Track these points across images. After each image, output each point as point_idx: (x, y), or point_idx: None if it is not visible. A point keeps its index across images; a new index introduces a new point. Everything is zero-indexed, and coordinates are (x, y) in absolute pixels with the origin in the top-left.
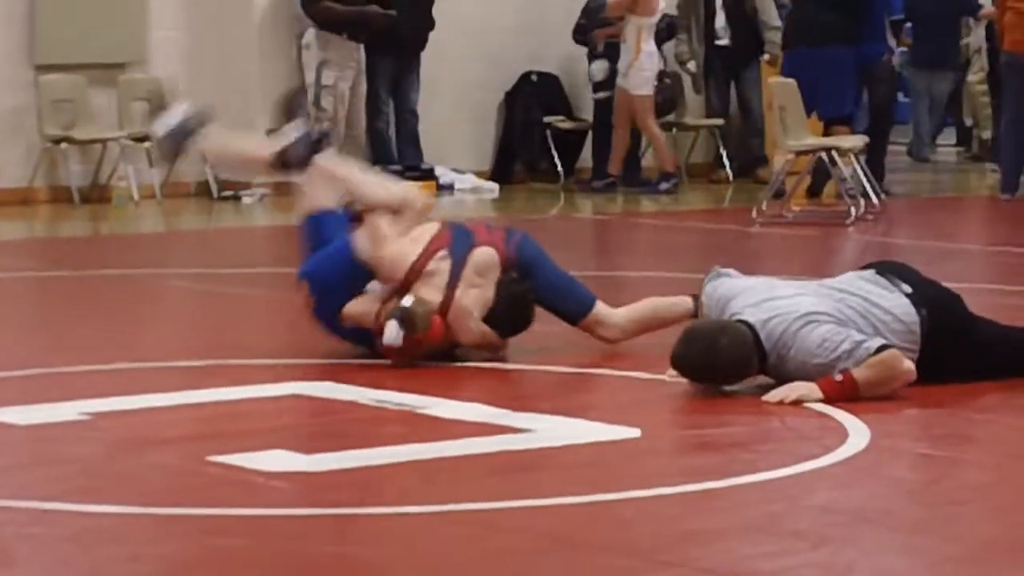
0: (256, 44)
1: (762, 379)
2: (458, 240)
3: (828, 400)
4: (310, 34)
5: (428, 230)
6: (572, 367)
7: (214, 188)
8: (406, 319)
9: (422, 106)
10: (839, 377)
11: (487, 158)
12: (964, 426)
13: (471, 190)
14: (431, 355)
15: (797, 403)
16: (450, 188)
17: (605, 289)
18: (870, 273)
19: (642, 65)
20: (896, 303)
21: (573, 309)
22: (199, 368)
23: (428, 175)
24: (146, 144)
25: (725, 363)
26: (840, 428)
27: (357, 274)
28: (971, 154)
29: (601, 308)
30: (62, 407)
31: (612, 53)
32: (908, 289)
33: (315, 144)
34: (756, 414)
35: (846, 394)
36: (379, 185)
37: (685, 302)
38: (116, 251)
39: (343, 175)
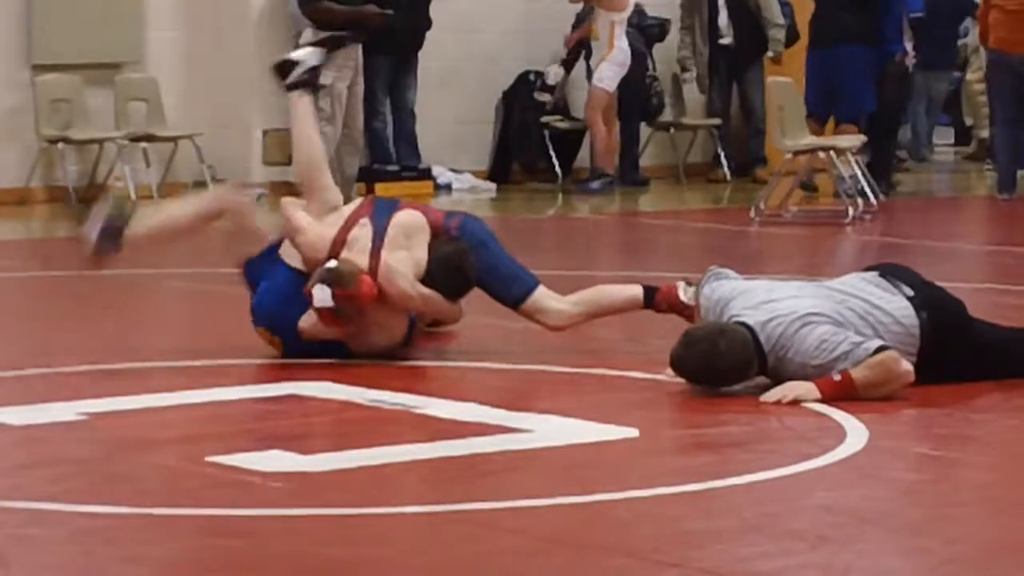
0: (253, 44)
1: (761, 379)
2: (380, 208)
3: (825, 400)
4: (307, 34)
5: (349, 206)
6: (569, 367)
7: (211, 188)
8: (330, 277)
9: (420, 106)
10: (837, 377)
11: (485, 158)
12: (963, 426)
13: (468, 190)
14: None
15: (794, 403)
16: (448, 188)
17: None
18: (872, 275)
19: (614, 58)
20: (896, 305)
21: (512, 293)
22: (197, 368)
23: (425, 175)
24: (143, 144)
25: (725, 366)
26: (838, 428)
27: (300, 297)
28: (970, 154)
29: (542, 294)
30: (59, 407)
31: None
32: (909, 292)
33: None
34: (754, 414)
35: (844, 394)
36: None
37: (634, 290)
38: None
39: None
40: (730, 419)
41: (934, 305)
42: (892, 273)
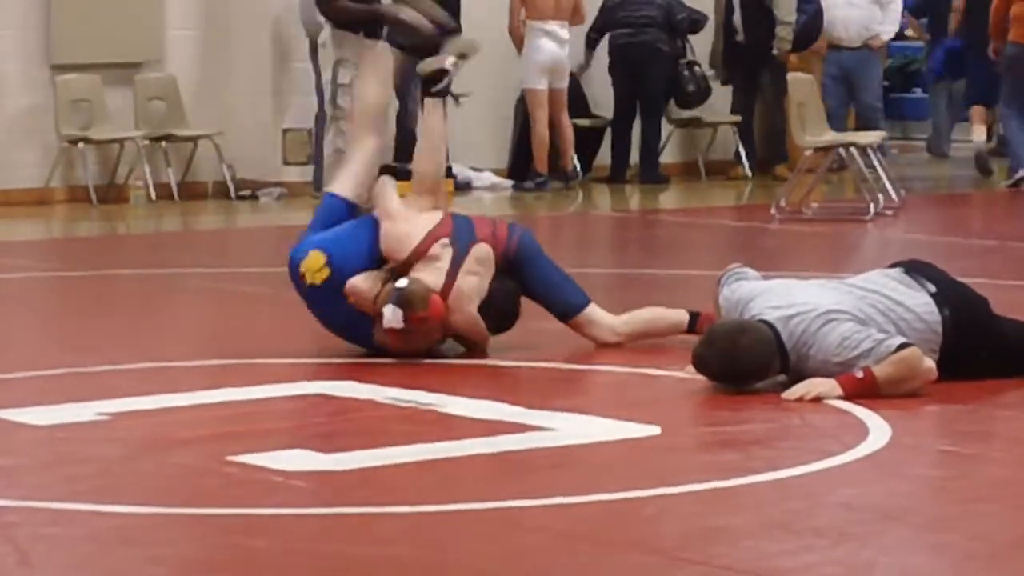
0: (271, 43)
1: (782, 377)
2: (461, 231)
3: (848, 397)
4: (325, 33)
5: (431, 218)
6: (590, 365)
7: (231, 188)
8: (404, 300)
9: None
10: (859, 374)
11: (504, 156)
12: (986, 423)
13: (488, 188)
14: (422, 352)
15: (817, 400)
16: (467, 186)
17: (621, 287)
18: (896, 271)
19: (524, 56)
20: (919, 302)
21: (564, 306)
22: (218, 368)
23: (446, 173)
24: (163, 144)
25: (746, 364)
26: (861, 425)
27: (376, 250)
28: (992, 149)
29: (594, 309)
30: (80, 407)
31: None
32: (932, 288)
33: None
34: (776, 411)
35: (866, 391)
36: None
37: (681, 315)
38: (134, 251)
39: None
40: (752, 416)
41: (957, 302)
42: (916, 269)
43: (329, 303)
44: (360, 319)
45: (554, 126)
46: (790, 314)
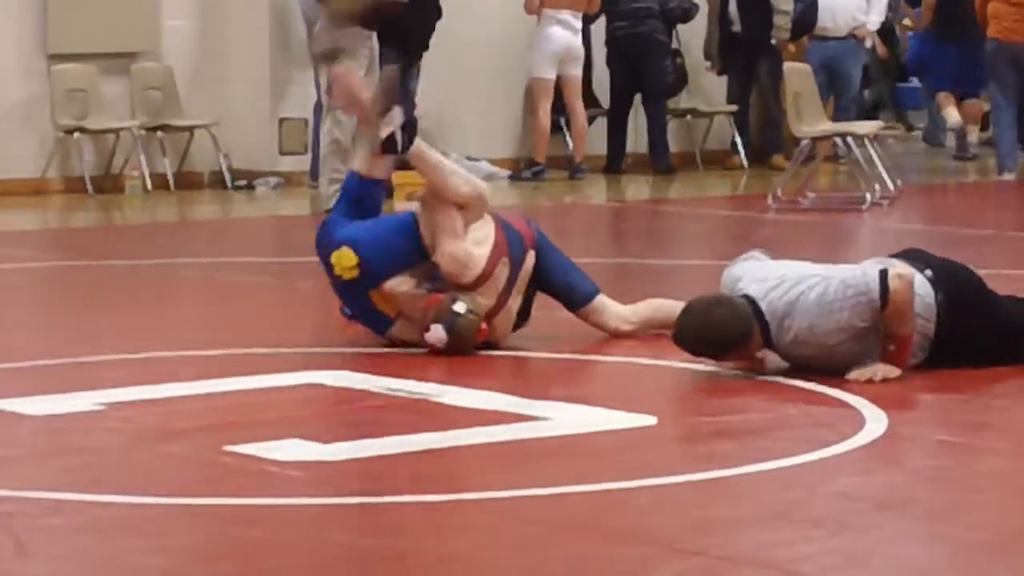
0: (268, 32)
1: (776, 363)
2: (514, 245)
3: (903, 367)
4: (319, 26)
5: (488, 233)
6: (585, 354)
7: (228, 177)
8: (457, 329)
9: (449, 95)
10: (892, 347)
11: (510, 145)
12: (982, 412)
13: (485, 177)
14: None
15: (884, 381)
16: None
17: (618, 277)
18: (886, 257)
19: (534, 44)
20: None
21: (576, 296)
22: (214, 358)
23: None
24: (159, 133)
25: (720, 336)
26: (857, 415)
27: (411, 251)
28: (988, 139)
29: (604, 298)
30: (77, 398)
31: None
32: (929, 273)
33: (413, 130)
34: (772, 401)
35: (908, 351)
36: (462, 177)
37: None
38: (130, 241)
39: (436, 160)
40: (748, 406)
41: (951, 280)
42: (910, 256)
43: (350, 295)
44: (375, 315)
45: (568, 113)
46: (770, 286)
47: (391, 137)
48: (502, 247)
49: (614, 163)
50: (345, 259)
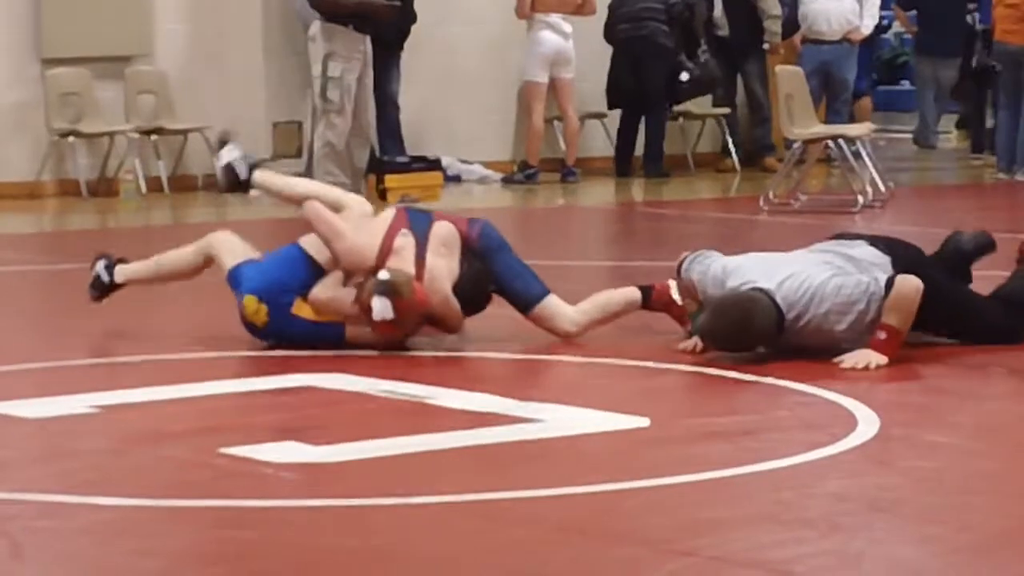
0: (261, 36)
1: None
2: (416, 219)
3: (892, 357)
4: (316, 26)
5: (384, 217)
6: (578, 356)
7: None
8: (390, 288)
9: (441, 99)
10: (883, 335)
11: (504, 149)
12: (974, 414)
13: (478, 180)
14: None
15: (867, 368)
16: (457, 179)
17: (608, 280)
18: (834, 242)
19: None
20: (867, 251)
21: (527, 296)
22: (208, 360)
23: (435, 166)
24: (153, 137)
25: (758, 331)
26: (849, 416)
27: (307, 272)
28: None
29: (553, 300)
30: (71, 400)
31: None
32: (868, 242)
33: (251, 165)
34: (764, 402)
35: (899, 343)
36: (319, 186)
37: (632, 292)
38: (124, 244)
39: (281, 181)
40: (741, 407)
41: (905, 261)
42: (841, 236)
43: (283, 331)
44: (319, 328)
45: (559, 117)
46: (781, 279)
47: (229, 167)
48: (399, 222)
49: (623, 167)
50: (249, 308)
